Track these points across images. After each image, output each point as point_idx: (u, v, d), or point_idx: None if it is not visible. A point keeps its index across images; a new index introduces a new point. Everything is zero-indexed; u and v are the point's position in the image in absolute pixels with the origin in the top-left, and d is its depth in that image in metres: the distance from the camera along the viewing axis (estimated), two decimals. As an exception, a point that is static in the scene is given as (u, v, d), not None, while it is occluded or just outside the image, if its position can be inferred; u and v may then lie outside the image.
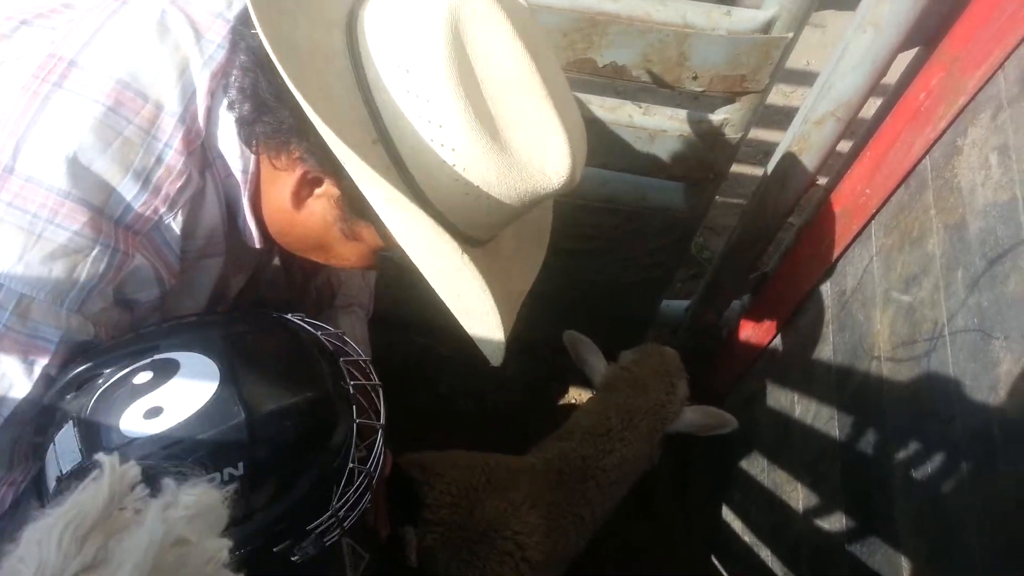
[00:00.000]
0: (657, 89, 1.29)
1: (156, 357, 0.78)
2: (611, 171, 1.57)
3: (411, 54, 0.75)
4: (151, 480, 0.51)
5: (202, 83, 0.84)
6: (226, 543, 0.49)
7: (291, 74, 0.71)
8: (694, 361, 1.74)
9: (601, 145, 1.47)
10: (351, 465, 0.81)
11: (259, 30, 0.72)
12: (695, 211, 1.64)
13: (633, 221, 1.66)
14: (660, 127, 1.43)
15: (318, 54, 0.77)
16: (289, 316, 0.94)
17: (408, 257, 0.79)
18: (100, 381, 0.78)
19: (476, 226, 0.84)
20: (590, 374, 1.72)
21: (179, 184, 0.84)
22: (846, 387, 1.44)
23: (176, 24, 0.85)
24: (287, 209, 0.90)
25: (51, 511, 0.45)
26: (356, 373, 0.90)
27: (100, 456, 0.48)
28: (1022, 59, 1.09)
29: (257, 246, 0.97)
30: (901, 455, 1.21)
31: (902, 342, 1.27)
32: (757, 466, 1.79)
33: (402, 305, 1.60)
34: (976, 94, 1.18)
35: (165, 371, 0.76)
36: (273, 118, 0.81)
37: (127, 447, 0.71)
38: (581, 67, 1.25)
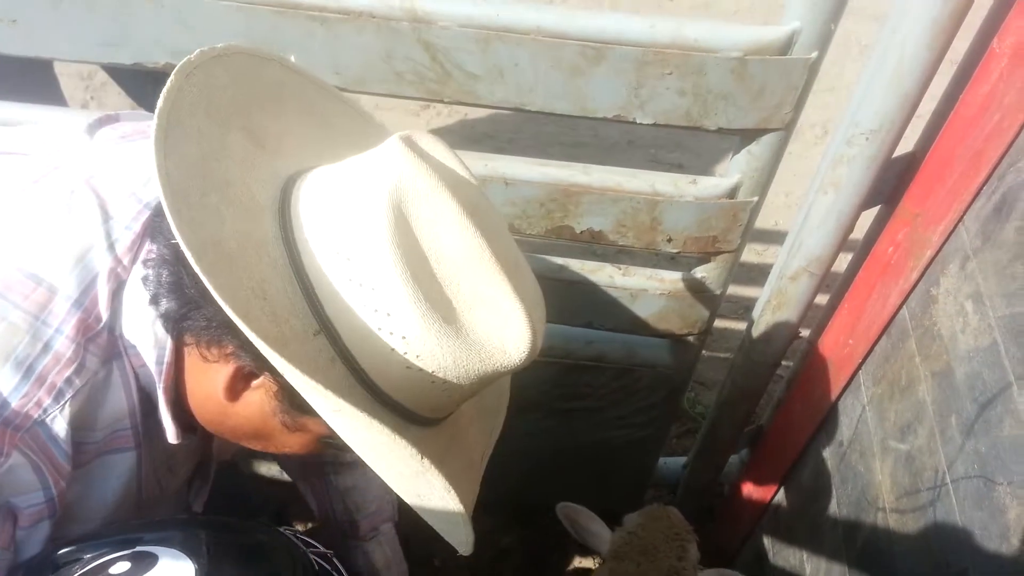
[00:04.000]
0: (635, 251, 1.34)
1: (137, 549, 0.76)
2: (596, 330, 1.59)
3: (352, 240, 0.71)
4: None
5: (104, 265, 0.79)
6: None
7: (217, 283, 0.66)
8: (700, 520, 1.67)
9: (585, 305, 1.49)
10: None
11: (177, 237, 0.66)
12: (683, 367, 1.65)
13: (622, 379, 1.66)
14: (641, 287, 1.46)
15: (248, 246, 0.72)
16: (283, 529, 0.91)
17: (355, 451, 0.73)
18: (77, 567, 0.75)
19: (434, 408, 0.79)
20: (594, 544, 1.64)
21: (67, 373, 0.76)
22: (854, 541, 1.38)
23: (83, 205, 0.80)
24: (219, 400, 0.82)
25: None
26: None
27: None
28: (979, 212, 1.14)
29: (173, 441, 0.88)
30: (920, 614, 1.15)
31: (905, 492, 1.23)
32: (772, 634, 1.68)
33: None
34: (942, 246, 1.21)
35: (142, 565, 0.74)
36: (201, 315, 0.75)
37: None
38: (560, 234, 1.30)
